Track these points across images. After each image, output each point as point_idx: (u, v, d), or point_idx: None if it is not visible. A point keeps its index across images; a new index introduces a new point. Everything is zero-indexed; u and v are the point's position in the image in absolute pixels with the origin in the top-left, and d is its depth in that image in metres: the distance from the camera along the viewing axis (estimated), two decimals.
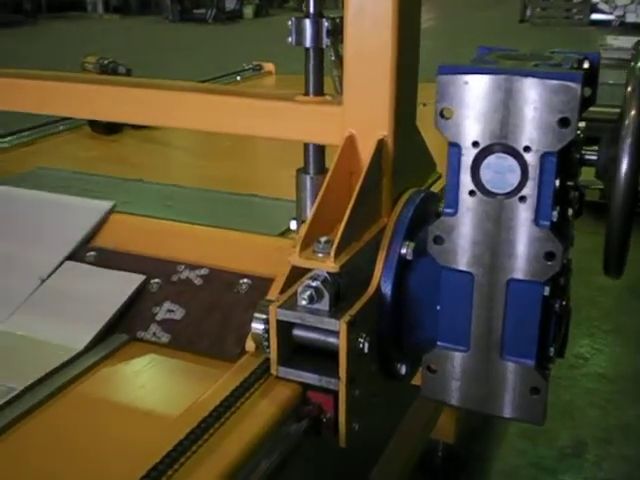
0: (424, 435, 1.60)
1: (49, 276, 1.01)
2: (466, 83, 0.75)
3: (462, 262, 0.79)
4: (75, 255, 1.04)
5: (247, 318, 0.89)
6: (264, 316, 0.82)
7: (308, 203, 0.95)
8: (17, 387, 0.82)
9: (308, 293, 0.78)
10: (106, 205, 1.10)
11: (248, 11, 13.17)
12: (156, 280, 0.97)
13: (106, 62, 1.80)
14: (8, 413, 0.79)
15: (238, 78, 2.24)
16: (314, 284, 0.78)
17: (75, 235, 1.06)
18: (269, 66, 2.38)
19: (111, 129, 1.68)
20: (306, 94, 0.93)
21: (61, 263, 1.03)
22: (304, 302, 0.78)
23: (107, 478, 0.69)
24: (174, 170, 1.51)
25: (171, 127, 1.03)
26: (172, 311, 0.93)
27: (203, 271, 0.97)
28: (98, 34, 10.22)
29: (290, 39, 0.90)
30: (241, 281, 0.94)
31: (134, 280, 0.98)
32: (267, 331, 0.81)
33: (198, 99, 0.98)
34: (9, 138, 1.64)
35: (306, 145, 0.94)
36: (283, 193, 1.28)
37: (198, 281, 0.96)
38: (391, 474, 1.34)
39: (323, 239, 0.79)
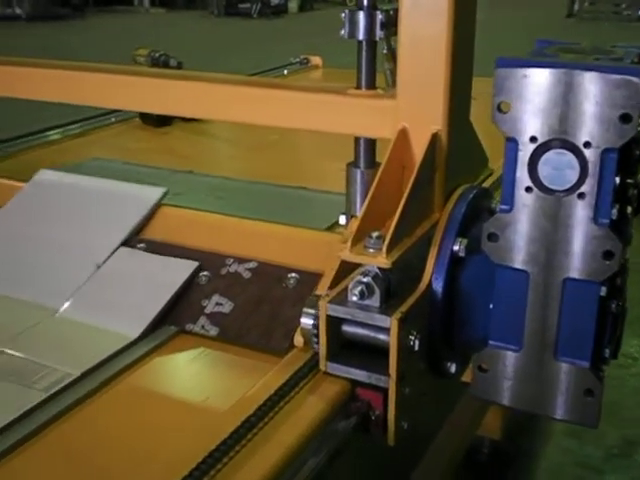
0: (470, 431, 1.58)
1: (104, 262, 1.02)
2: (525, 77, 0.73)
3: (517, 260, 0.78)
4: (129, 242, 1.05)
5: (295, 312, 0.89)
6: (313, 311, 0.81)
7: (358, 198, 0.94)
8: (73, 373, 0.83)
9: (359, 289, 0.77)
10: (158, 192, 1.10)
11: (293, 5, 13.16)
12: (205, 273, 0.97)
13: (157, 55, 1.81)
14: (64, 399, 0.79)
15: (285, 72, 2.24)
16: (365, 280, 0.77)
17: (129, 221, 1.07)
18: (316, 60, 2.37)
19: (161, 121, 1.70)
20: (358, 87, 0.91)
21: (116, 249, 1.03)
22: (355, 298, 0.77)
23: (156, 470, 0.68)
24: (223, 162, 1.52)
25: (221, 120, 1.02)
26: (221, 304, 0.93)
27: (252, 265, 0.96)
28: (144, 28, 10.31)
29: (343, 31, 0.89)
30: (289, 275, 0.93)
31: (188, 266, 0.98)
32: (316, 326, 0.81)
33: (248, 92, 0.97)
34: (61, 129, 1.66)
35: (357, 139, 0.93)
36: (331, 186, 1.28)
37: (247, 275, 0.96)
38: (435, 471, 1.33)
39: (375, 234, 0.78)
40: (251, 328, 0.90)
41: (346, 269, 0.88)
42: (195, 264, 0.98)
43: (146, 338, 0.90)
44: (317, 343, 0.81)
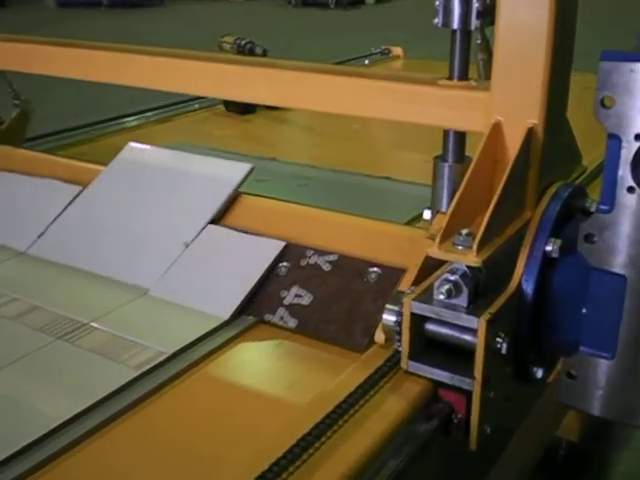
0: (548, 433, 1.54)
1: (193, 241, 1.02)
2: (632, 71, 0.70)
3: (615, 263, 0.74)
4: (216, 220, 1.05)
5: (376, 308, 0.87)
6: (397, 308, 0.79)
7: (445, 192, 0.91)
8: (165, 351, 0.84)
9: (446, 287, 0.74)
10: (245, 168, 1.09)
11: None
12: (285, 264, 0.96)
13: (243, 42, 1.81)
14: (155, 377, 0.80)
15: (366, 62, 2.21)
16: (452, 278, 0.74)
17: (217, 198, 1.06)
18: (397, 50, 2.34)
19: (245, 109, 1.70)
20: (450, 78, 0.88)
21: (204, 227, 1.03)
22: (441, 296, 0.74)
23: (237, 459, 0.67)
24: (305, 150, 1.51)
25: (305, 109, 1.00)
26: (300, 296, 0.92)
27: (332, 257, 0.94)
28: (223, 16, 10.39)
29: (436, 20, 0.87)
30: (370, 269, 0.91)
31: (275, 246, 0.97)
32: (399, 323, 0.78)
33: (335, 81, 0.95)
34: (147, 114, 1.68)
35: (446, 132, 0.90)
36: (414, 177, 1.26)
37: (327, 267, 0.94)
38: (511, 473, 1.29)
39: (464, 231, 0.75)
40: (330, 322, 0.88)
41: (430, 266, 0.86)
42: (282, 243, 0.97)
43: (225, 327, 0.89)
44: (399, 341, 0.79)
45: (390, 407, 0.74)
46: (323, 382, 0.80)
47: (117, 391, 0.77)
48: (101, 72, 1.19)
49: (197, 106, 1.77)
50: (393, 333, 0.80)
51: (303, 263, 0.95)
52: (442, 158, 0.91)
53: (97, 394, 0.76)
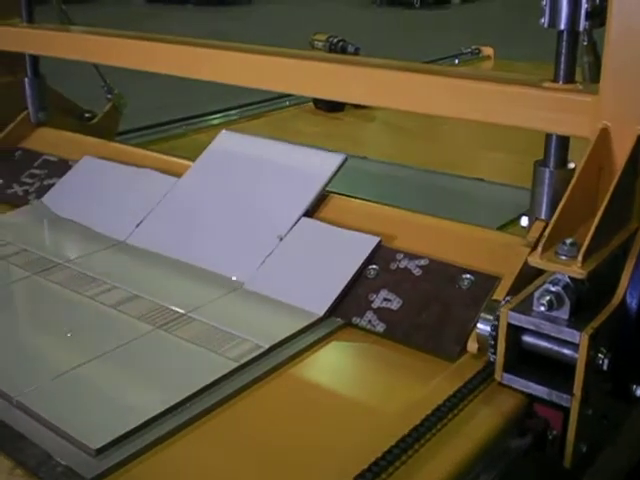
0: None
1: (287, 234, 1.01)
2: None
3: None
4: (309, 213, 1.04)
5: (468, 316, 0.84)
6: (492, 317, 0.76)
7: (544, 199, 0.88)
8: (263, 345, 0.83)
9: (547, 298, 0.71)
10: (339, 158, 1.08)
11: None
12: (374, 266, 0.94)
13: (335, 41, 1.80)
14: (253, 370, 0.80)
15: (456, 61, 2.18)
16: (554, 289, 0.71)
17: (310, 189, 1.06)
18: (488, 50, 2.30)
19: (333, 107, 1.70)
20: (555, 80, 0.85)
21: (298, 220, 1.03)
22: (542, 308, 0.71)
23: (327, 463, 0.66)
24: (395, 149, 1.49)
25: (399, 109, 0.98)
26: (389, 300, 0.90)
27: (423, 262, 0.92)
28: (309, 15, 10.43)
29: (542, 20, 0.83)
30: (463, 276, 0.88)
31: (370, 242, 0.96)
32: (494, 334, 0.76)
33: (430, 81, 0.93)
34: (236, 111, 1.70)
35: (548, 136, 0.87)
36: (506, 179, 1.23)
37: (417, 271, 0.91)
38: None
39: (569, 241, 0.71)
40: (420, 328, 0.86)
41: (526, 275, 0.83)
42: (377, 239, 0.96)
43: (313, 328, 0.88)
44: (493, 352, 0.76)
45: (483, 420, 0.72)
46: (411, 390, 0.78)
47: (218, 381, 0.78)
48: (201, 70, 1.19)
49: (287, 103, 1.78)
50: (487, 343, 0.77)
51: (393, 266, 0.93)
52: (543, 163, 0.88)
53: (198, 384, 0.76)
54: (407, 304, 0.88)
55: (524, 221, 0.91)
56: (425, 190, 1.19)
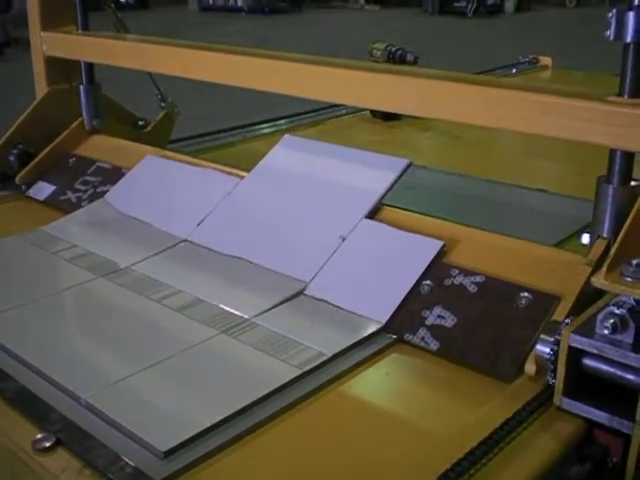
0: None
1: (349, 234, 1.01)
2: None
3: None
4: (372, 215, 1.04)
5: (525, 336, 0.82)
6: (552, 339, 0.74)
7: (607, 216, 0.84)
8: (325, 353, 0.83)
9: (611, 321, 0.68)
10: (403, 162, 1.07)
11: (509, 5, 12.83)
12: (427, 282, 0.91)
13: (394, 49, 1.80)
14: (316, 378, 0.80)
15: (514, 71, 2.15)
16: (618, 312, 0.68)
17: (374, 192, 1.05)
18: (546, 60, 2.26)
19: (390, 116, 1.71)
20: (620, 95, 0.82)
21: (359, 221, 1.02)
22: (605, 331, 0.69)
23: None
24: (454, 159, 1.48)
25: (461, 123, 0.96)
26: (443, 317, 0.87)
27: (478, 278, 0.90)
28: (360, 24, 10.44)
29: (608, 33, 0.80)
30: (521, 294, 0.85)
31: (433, 245, 0.94)
32: (554, 356, 0.73)
33: (493, 94, 0.90)
34: (294, 118, 1.70)
35: (612, 152, 0.84)
36: (567, 190, 1.20)
37: (472, 288, 0.89)
38: None
39: (635, 261, 0.69)
40: (475, 347, 0.83)
41: (587, 295, 0.80)
42: (440, 243, 0.94)
43: (364, 343, 0.86)
44: (552, 375, 0.74)
45: (541, 446, 0.69)
46: (465, 412, 0.76)
47: (282, 388, 0.77)
48: (245, 77, 1.18)
49: (344, 111, 1.79)
50: (546, 366, 0.74)
51: (447, 282, 0.91)
52: (607, 179, 0.85)
53: (262, 390, 0.76)
54: (462, 322, 0.86)
55: (585, 239, 0.88)
56: (483, 200, 1.18)
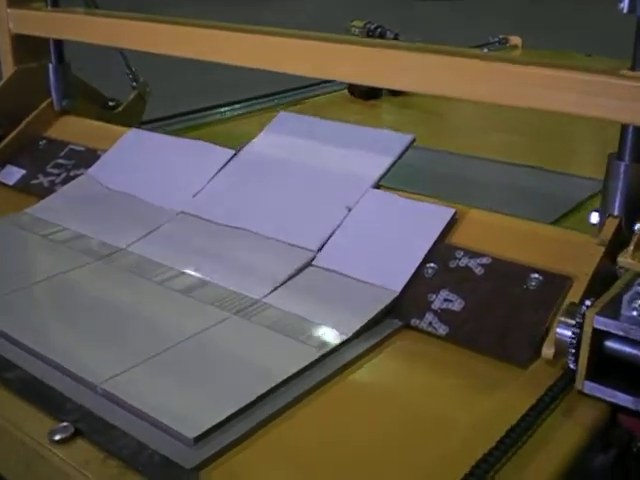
0: None
1: (355, 204, 0.97)
2: None
3: None
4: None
5: (538, 319, 0.79)
6: (574, 322, 0.71)
7: (618, 194, 0.82)
8: (345, 333, 0.80)
9: (639, 302, 0.66)
10: (407, 137, 1.04)
11: None
12: (431, 265, 0.88)
13: (373, 27, 1.75)
14: (335, 359, 0.77)
15: (485, 51, 2.12)
16: None
17: (380, 164, 1.01)
18: (515, 39, 2.24)
19: (370, 94, 1.67)
20: (632, 69, 0.79)
21: (366, 191, 0.99)
22: (635, 312, 0.66)
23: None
24: (443, 137, 1.45)
25: (452, 98, 0.92)
26: (450, 301, 0.84)
27: (485, 260, 0.87)
28: (353, 6, 10.30)
29: (621, 5, 0.78)
30: (531, 275, 0.83)
31: (444, 213, 0.92)
32: (575, 339, 0.70)
33: (498, 69, 0.87)
34: (270, 98, 1.66)
35: (624, 127, 0.81)
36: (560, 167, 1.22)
37: (479, 270, 0.86)
38: None
39: None
40: (485, 332, 0.80)
41: (601, 275, 0.78)
42: (452, 210, 0.92)
43: (369, 331, 0.82)
44: (573, 358, 0.71)
45: (566, 433, 0.67)
46: (482, 398, 0.73)
47: (305, 369, 0.74)
48: (221, 52, 1.13)
49: (320, 91, 1.75)
50: (566, 349, 0.72)
51: (452, 265, 0.88)
52: (618, 156, 0.82)
53: (286, 371, 0.73)
54: (470, 305, 0.83)
55: (594, 218, 0.85)
56: (477, 178, 1.16)
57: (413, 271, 0.87)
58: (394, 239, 0.92)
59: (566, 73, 0.80)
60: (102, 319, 0.85)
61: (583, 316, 0.69)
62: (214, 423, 0.65)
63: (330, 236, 0.95)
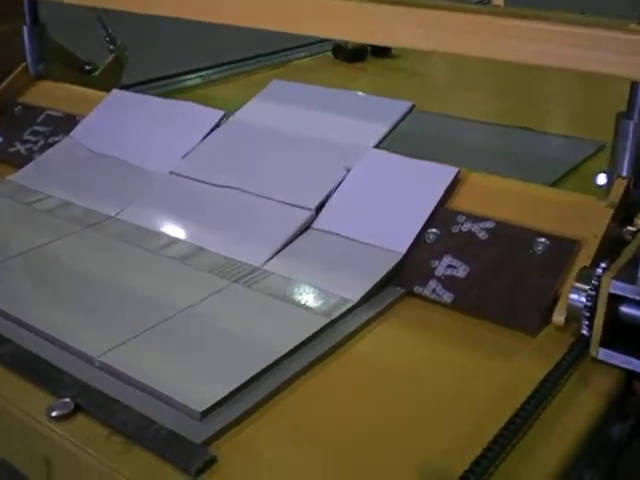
0: None
1: (355, 165, 0.94)
2: None
3: None
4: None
5: (546, 284, 0.76)
6: (587, 286, 0.68)
7: (627, 155, 0.79)
8: (351, 299, 0.77)
9: None
10: (406, 104, 1.01)
11: None
12: (433, 230, 0.85)
13: None
14: (345, 325, 0.75)
15: None
16: None
17: (379, 128, 0.98)
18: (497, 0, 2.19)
19: (355, 56, 1.63)
20: None
21: (365, 152, 0.96)
22: None
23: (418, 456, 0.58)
24: (435, 99, 1.42)
25: (456, 54, 0.88)
26: (454, 267, 0.81)
27: (488, 224, 0.84)
28: None
29: None
30: (538, 240, 0.80)
31: (448, 172, 0.89)
32: (589, 304, 0.68)
33: (491, 22, 0.83)
34: (252, 61, 1.60)
35: (634, 85, 0.78)
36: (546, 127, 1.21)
37: (483, 235, 0.83)
38: None
39: None
40: (492, 298, 0.78)
41: (610, 239, 0.76)
42: (456, 169, 0.89)
43: (370, 300, 0.79)
44: (588, 325, 0.68)
45: (584, 403, 0.64)
46: (493, 367, 0.70)
47: (308, 340, 0.71)
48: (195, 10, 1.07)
49: (303, 54, 1.70)
50: (579, 315, 0.69)
51: (454, 230, 0.84)
52: (627, 115, 0.79)
53: (294, 340, 0.70)
54: (475, 271, 0.80)
55: (601, 179, 0.83)
56: (472, 142, 1.14)
57: (418, 231, 0.84)
58: (396, 199, 0.88)
59: (567, 28, 0.77)
60: (95, 291, 0.80)
61: (599, 280, 0.66)
62: (221, 396, 0.62)
63: (328, 197, 0.91)
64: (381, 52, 1.75)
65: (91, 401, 0.62)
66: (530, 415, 0.61)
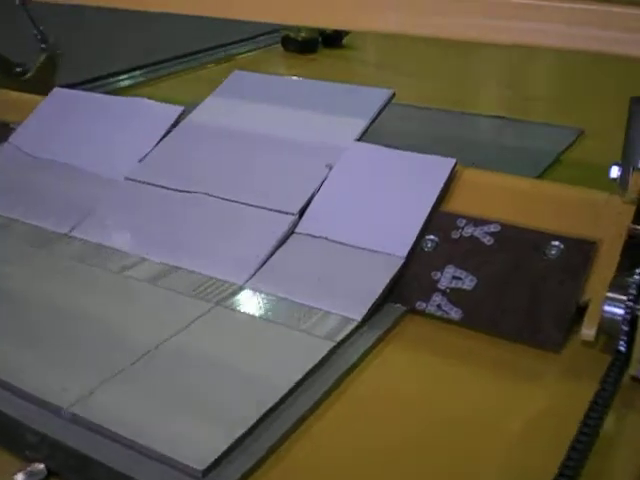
0: None
1: (337, 161, 0.84)
2: None
3: None
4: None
5: (566, 293, 0.68)
6: (623, 297, 0.60)
7: None
8: (353, 318, 0.68)
9: None
10: (386, 93, 0.92)
11: None
12: (430, 236, 0.76)
13: None
14: (351, 349, 0.65)
15: None
16: None
17: (360, 120, 0.89)
18: None
19: (305, 48, 1.56)
20: None
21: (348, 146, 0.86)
22: None
23: None
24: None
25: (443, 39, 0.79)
26: (459, 278, 0.72)
27: (493, 228, 0.75)
28: None
29: None
30: (551, 243, 0.72)
31: (444, 164, 0.80)
32: (627, 317, 0.60)
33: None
34: (199, 55, 1.50)
35: None
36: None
37: (488, 240, 0.74)
38: None
39: None
40: (507, 312, 0.69)
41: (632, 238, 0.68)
42: (452, 161, 0.80)
43: (370, 320, 0.70)
44: (625, 340, 0.60)
45: (636, 429, 0.56)
46: (520, 391, 0.62)
47: (313, 370, 0.61)
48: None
49: (248, 48, 1.61)
50: (616, 329, 0.61)
51: (455, 236, 0.76)
52: None
53: (292, 376, 0.60)
54: (484, 282, 0.71)
55: (614, 172, 0.75)
56: (444, 135, 1.08)
57: (418, 232, 0.75)
58: (387, 197, 0.79)
59: (580, 4, 0.69)
60: (55, 326, 0.68)
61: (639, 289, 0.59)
62: (223, 449, 0.52)
63: (311, 198, 0.81)
64: (333, 42, 1.67)
65: (65, 463, 0.51)
66: (591, 443, 0.53)
